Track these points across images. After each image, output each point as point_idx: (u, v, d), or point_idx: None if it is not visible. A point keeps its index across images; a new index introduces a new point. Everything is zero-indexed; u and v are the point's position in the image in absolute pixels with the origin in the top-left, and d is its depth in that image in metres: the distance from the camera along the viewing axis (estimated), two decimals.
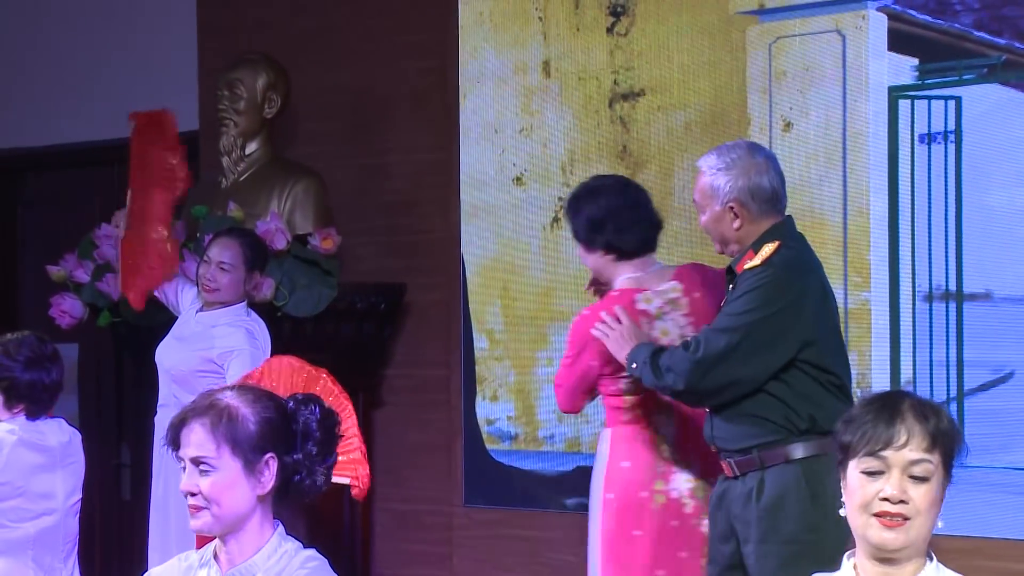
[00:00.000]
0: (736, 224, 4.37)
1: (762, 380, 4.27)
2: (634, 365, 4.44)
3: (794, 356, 4.26)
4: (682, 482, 4.67)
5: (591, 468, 4.83)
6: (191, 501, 3.08)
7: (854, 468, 2.77)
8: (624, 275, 4.71)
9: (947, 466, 2.77)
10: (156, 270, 5.91)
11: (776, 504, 4.24)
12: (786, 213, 4.50)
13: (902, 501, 2.73)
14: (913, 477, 2.74)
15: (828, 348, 4.33)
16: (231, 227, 5.95)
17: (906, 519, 2.74)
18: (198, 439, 3.06)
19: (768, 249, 4.31)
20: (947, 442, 2.76)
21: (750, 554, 4.31)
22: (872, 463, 2.75)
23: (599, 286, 4.87)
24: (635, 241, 4.73)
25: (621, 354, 4.48)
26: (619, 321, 4.51)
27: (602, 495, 4.69)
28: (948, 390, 5.26)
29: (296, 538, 3.16)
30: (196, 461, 3.07)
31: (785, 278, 4.29)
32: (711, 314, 4.56)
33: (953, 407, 5.23)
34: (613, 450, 4.69)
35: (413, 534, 6.53)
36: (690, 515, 4.66)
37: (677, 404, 4.61)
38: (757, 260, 4.30)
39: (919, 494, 2.74)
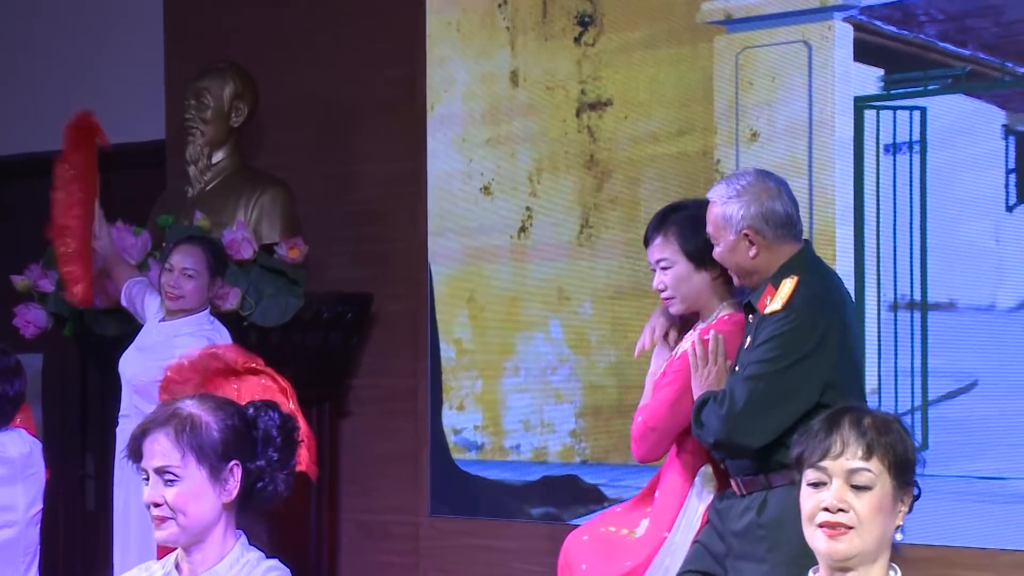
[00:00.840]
0: (752, 252, 4.24)
1: (788, 427, 4.14)
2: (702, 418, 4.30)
3: (818, 400, 4.15)
4: None
5: (557, 478, 4.69)
6: (156, 512, 3.05)
7: (804, 482, 2.81)
8: (725, 302, 4.46)
9: (899, 478, 2.78)
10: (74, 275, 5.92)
11: (778, 524, 4.16)
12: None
13: (841, 510, 2.74)
14: (855, 487, 2.75)
15: (848, 389, 4.19)
16: (190, 234, 5.94)
17: (849, 528, 2.74)
18: (162, 448, 3.04)
19: (787, 288, 4.18)
20: (887, 452, 2.76)
21: (743, 570, 4.24)
22: (814, 475, 2.78)
23: (670, 328, 4.59)
24: None
25: (696, 393, 4.30)
26: (715, 359, 4.29)
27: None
28: (913, 399, 5.27)
29: (259, 548, 3.14)
30: (161, 471, 3.04)
31: (808, 322, 4.16)
32: None
33: (918, 416, 5.23)
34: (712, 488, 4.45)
35: (379, 544, 6.51)
36: None
37: None
38: (777, 304, 4.17)
39: (861, 503, 2.74)
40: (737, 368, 4.26)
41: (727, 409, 4.15)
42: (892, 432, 2.79)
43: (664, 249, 4.45)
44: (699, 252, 4.41)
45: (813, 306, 4.19)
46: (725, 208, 4.26)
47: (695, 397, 4.29)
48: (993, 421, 5.13)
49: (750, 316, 4.30)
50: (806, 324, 4.16)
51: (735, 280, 4.36)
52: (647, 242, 4.51)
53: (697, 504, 4.41)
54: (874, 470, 2.75)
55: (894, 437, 2.78)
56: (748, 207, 4.24)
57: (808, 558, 3.86)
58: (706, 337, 4.33)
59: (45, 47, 7.62)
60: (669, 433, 4.39)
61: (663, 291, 4.47)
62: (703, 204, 4.41)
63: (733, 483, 4.32)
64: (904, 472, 2.79)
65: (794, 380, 4.14)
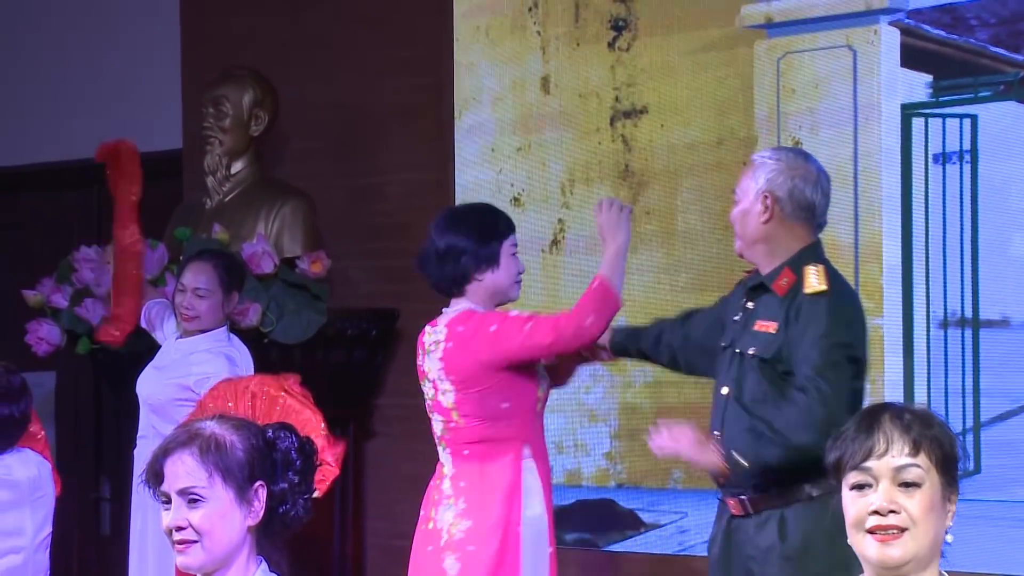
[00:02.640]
0: (764, 217, 4.26)
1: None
2: (735, 455, 4.17)
3: None
4: (446, 515, 4.71)
5: (591, 502, 4.69)
6: (179, 536, 2.99)
7: (845, 487, 2.68)
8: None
9: (945, 473, 2.66)
10: (128, 305, 5.86)
11: (804, 545, 4.11)
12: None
13: (892, 511, 2.63)
14: (903, 485, 2.64)
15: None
16: (202, 250, 5.86)
17: (902, 530, 2.63)
18: (188, 468, 2.98)
19: (820, 273, 4.18)
20: (934, 446, 2.65)
21: None
22: (858, 477, 2.66)
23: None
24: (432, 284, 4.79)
25: (714, 459, 4.19)
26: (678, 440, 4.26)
27: None
28: (964, 420, 5.19)
29: (279, 575, 3.08)
30: (185, 492, 2.98)
31: (856, 309, 4.23)
32: (459, 367, 4.61)
33: (969, 439, 5.15)
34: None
35: (406, 571, 6.36)
36: (441, 549, 4.68)
37: (452, 439, 4.68)
38: (823, 285, 4.17)
39: (912, 502, 2.63)
40: (751, 352, 4.19)
41: (823, 409, 4.04)
42: (935, 425, 2.69)
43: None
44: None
45: (851, 291, 4.29)
46: (757, 169, 4.33)
47: (716, 462, 4.20)
48: None
49: (747, 303, 4.29)
50: (856, 311, 4.22)
51: (736, 245, 4.36)
52: None
53: None
54: (923, 465, 2.64)
55: (938, 430, 2.68)
56: (779, 175, 4.29)
57: (839, 571, 3.79)
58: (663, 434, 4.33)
59: (59, 55, 7.59)
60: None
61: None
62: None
63: (733, 503, 4.22)
64: (950, 468, 2.68)
65: (860, 364, 4.16)
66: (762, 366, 4.18)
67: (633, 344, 4.69)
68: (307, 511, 3.07)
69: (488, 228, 4.67)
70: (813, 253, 4.25)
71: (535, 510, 4.59)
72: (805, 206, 4.26)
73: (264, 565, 3.04)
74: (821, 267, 4.20)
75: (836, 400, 4.07)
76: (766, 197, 4.25)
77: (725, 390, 4.24)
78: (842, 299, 4.20)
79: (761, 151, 4.43)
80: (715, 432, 4.23)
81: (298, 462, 3.06)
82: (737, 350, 4.25)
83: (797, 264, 4.21)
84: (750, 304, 4.29)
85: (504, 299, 4.71)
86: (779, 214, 4.25)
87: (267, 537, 3.05)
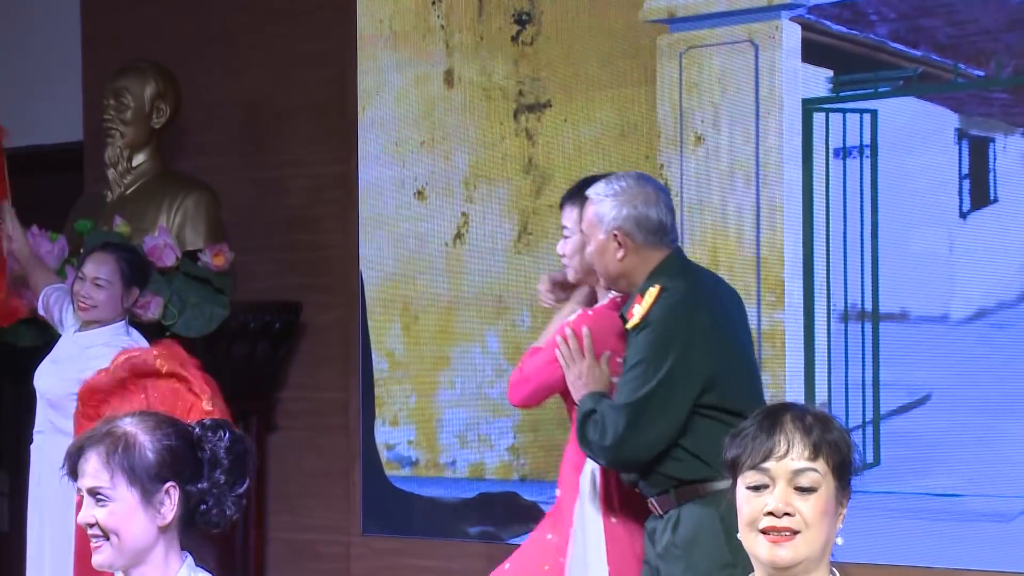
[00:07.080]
0: (620, 254, 4.27)
1: (673, 435, 4.20)
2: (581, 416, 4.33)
3: (695, 403, 4.19)
4: None
5: (494, 495, 4.61)
6: (91, 533, 3.02)
7: (740, 484, 2.70)
8: None
9: (840, 477, 2.68)
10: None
11: (691, 541, 4.18)
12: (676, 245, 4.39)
13: (787, 514, 2.65)
14: (799, 488, 2.65)
15: (730, 385, 4.22)
16: (107, 242, 5.80)
17: (795, 533, 2.65)
18: (93, 469, 3.01)
19: (648, 299, 4.20)
20: (833, 451, 2.67)
21: None
22: (755, 477, 2.67)
23: (561, 291, 4.69)
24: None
25: (576, 394, 4.35)
26: (583, 353, 4.35)
27: (603, 522, 4.47)
28: (864, 412, 5.21)
29: (207, 570, 3.09)
30: (92, 492, 3.00)
31: (665, 334, 4.18)
32: None
33: (869, 430, 5.18)
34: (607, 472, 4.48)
35: (309, 564, 6.43)
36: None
37: None
38: (637, 318, 4.20)
39: (807, 506, 2.65)
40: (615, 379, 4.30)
41: (611, 440, 4.18)
42: (835, 429, 2.71)
43: (568, 218, 4.54)
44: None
45: (673, 313, 4.21)
46: (599, 207, 4.31)
47: (574, 396, 4.34)
48: (947, 436, 5.08)
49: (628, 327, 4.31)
50: (664, 335, 4.19)
51: (602, 283, 4.40)
52: (561, 206, 4.61)
53: (595, 517, 4.43)
54: (820, 471, 2.66)
55: (837, 435, 2.70)
56: (621, 208, 4.29)
57: (725, 570, 4.01)
58: (566, 331, 4.36)
59: None
60: (540, 389, 4.51)
61: (562, 257, 4.58)
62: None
63: (650, 505, 4.32)
64: (846, 473, 2.71)
65: (664, 395, 4.17)
66: None
67: None
68: (238, 508, 3.07)
69: None
70: (659, 271, 4.25)
71: None
72: (655, 229, 4.27)
73: (190, 560, 3.06)
74: (656, 289, 4.19)
75: (620, 435, 4.16)
76: (615, 236, 4.26)
77: None
78: (648, 328, 4.17)
79: (595, 185, 4.36)
80: None
81: (226, 461, 3.05)
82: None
83: (644, 288, 4.22)
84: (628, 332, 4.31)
85: None
86: (631, 247, 4.26)
87: (191, 533, 3.06)
